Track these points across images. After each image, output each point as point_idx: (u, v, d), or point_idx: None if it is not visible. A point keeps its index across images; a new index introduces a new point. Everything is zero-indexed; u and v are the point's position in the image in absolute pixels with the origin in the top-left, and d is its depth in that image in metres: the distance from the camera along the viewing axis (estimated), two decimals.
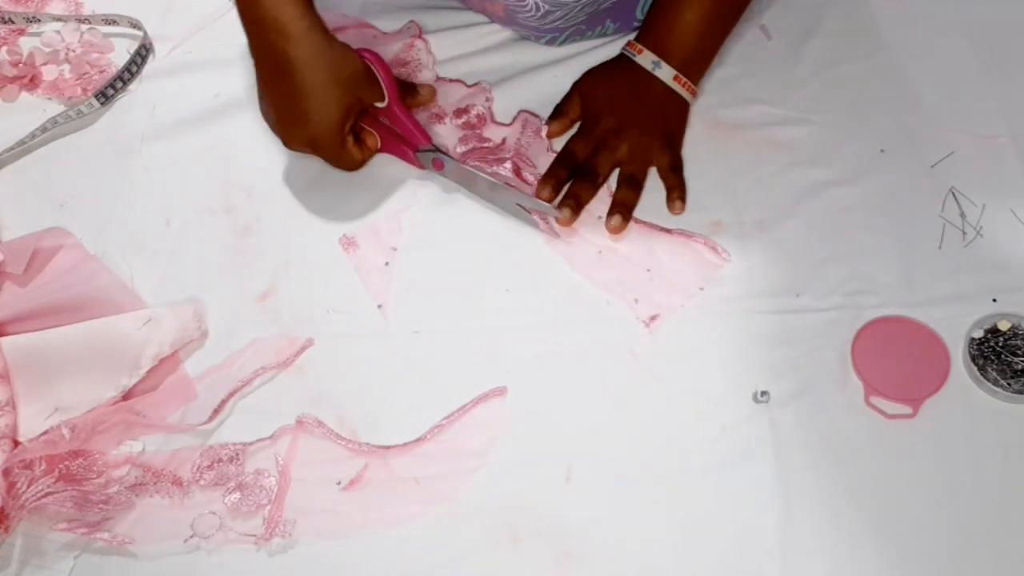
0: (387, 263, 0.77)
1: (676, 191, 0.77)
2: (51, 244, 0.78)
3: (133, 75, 0.90)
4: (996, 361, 0.68)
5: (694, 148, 0.81)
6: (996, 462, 0.65)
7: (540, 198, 0.77)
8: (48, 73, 0.91)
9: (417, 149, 0.80)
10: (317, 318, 0.74)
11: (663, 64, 0.78)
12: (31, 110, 0.88)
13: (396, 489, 0.66)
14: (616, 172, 0.79)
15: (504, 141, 0.82)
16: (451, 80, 0.86)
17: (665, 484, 0.65)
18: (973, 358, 0.68)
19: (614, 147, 0.79)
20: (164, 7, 0.95)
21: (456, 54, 0.88)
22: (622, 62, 0.81)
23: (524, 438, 0.68)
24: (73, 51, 0.92)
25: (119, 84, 0.89)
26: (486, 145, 0.82)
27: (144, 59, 0.91)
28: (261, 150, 0.83)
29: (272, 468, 0.67)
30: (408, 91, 0.82)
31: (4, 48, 0.93)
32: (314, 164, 0.80)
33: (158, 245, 0.79)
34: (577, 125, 0.82)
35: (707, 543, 0.63)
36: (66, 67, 0.92)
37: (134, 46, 0.91)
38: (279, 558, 0.64)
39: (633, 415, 0.68)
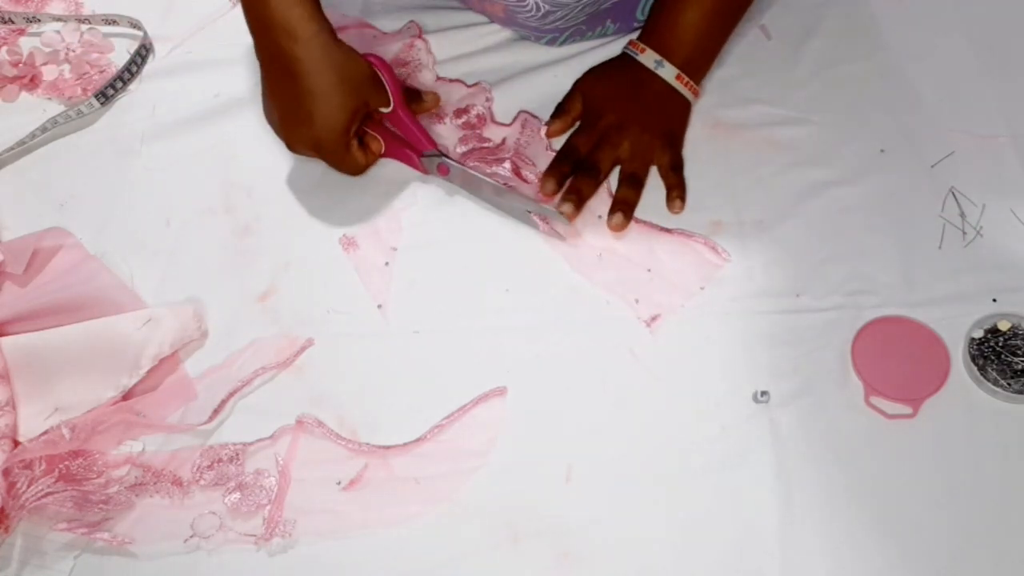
0: (387, 263, 0.77)
1: (676, 190, 0.78)
2: (51, 244, 0.78)
3: (133, 75, 0.90)
4: (996, 361, 0.68)
5: (694, 148, 0.81)
6: (996, 462, 0.65)
7: (544, 192, 0.77)
8: (48, 73, 0.91)
9: (422, 154, 0.80)
10: (317, 318, 0.74)
11: (665, 63, 0.79)
12: (31, 110, 0.88)
13: (396, 489, 0.66)
14: (617, 171, 0.79)
15: (504, 141, 0.82)
16: (451, 80, 0.86)
17: (665, 484, 0.65)
18: (973, 358, 0.68)
19: (616, 143, 0.79)
20: (164, 7, 0.95)
21: (456, 54, 0.88)
22: (624, 61, 0.81)
23: (524, 438, 0.68)
24: (73, 51, 0.92)
25: (119, 84, 0.89)
26: (486, 145, 0.82)
27: (144, 59, 0.91)
28: (261, 150, 0.83)
29: (272, 468, 0.67)
30: (413, 97, 0.82)
31: (4, 48, 0.93)
32: (315, 165, 0.80)
33: (158, 245, 0.79)
34: (578, 124, 0.82)
35: (707, 543, 0.63)
36: (66, 67, 0.92)
37: (134, 46, 0.91)
38: (279, 558, 0.64)
39: (633, 415, 0.68)
